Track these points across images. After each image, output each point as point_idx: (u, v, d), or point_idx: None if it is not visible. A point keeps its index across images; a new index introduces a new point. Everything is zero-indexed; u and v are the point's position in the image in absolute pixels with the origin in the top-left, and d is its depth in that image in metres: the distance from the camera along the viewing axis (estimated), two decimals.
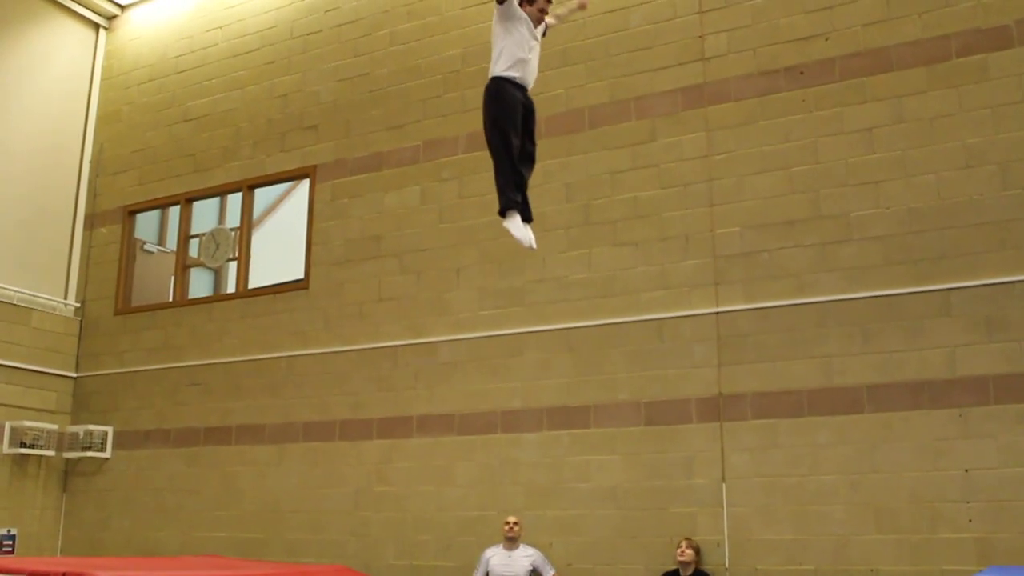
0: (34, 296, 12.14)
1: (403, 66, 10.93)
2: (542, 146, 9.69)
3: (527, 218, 5.89)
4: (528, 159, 5.99)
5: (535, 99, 9.82)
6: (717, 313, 8.65)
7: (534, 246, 5.88)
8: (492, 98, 5.85)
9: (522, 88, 5.91)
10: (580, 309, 9.27)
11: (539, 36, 6.09)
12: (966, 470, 7.46)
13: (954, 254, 7.84)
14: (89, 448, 11.72)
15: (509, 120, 5.76)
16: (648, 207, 9.16)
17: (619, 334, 9.03)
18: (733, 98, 9.01)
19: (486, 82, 5.91)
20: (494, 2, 5.87)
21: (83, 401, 12.23)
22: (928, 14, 8.33)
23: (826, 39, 8.71)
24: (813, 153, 8.56)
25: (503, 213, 5.78)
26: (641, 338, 8.92)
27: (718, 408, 8.46)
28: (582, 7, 6.99)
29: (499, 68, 5.83)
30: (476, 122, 10.09)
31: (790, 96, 8.76)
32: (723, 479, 8.31)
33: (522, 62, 5.86)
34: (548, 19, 6.20)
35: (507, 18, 5.86)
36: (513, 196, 5.77)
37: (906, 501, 7.60)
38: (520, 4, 6.00)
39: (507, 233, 9.61)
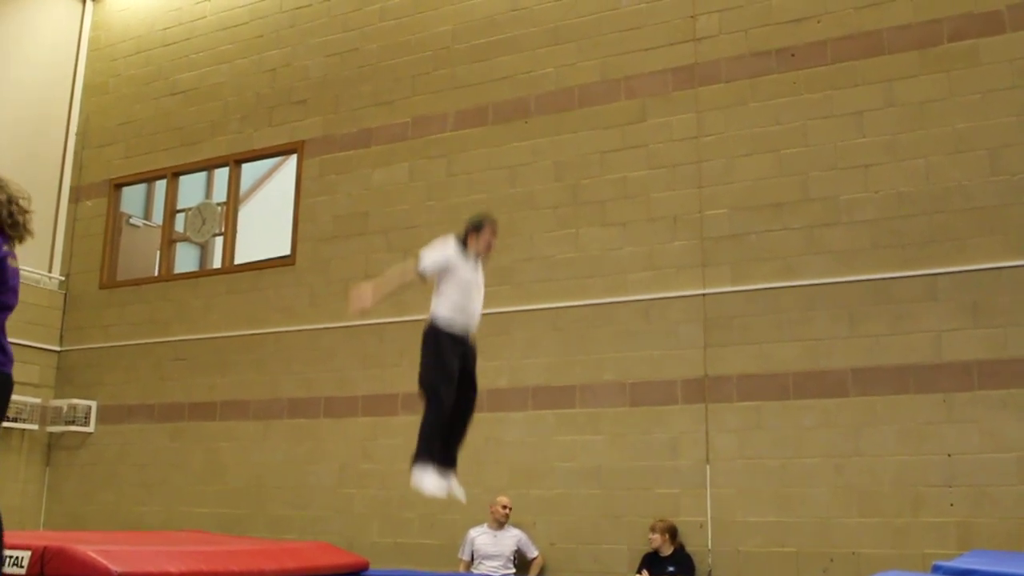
0: (18, 269, 12.03)
1: (393, 42, 10.85)
2: (531, 125, 9.74)
3: (449, 465, 5.66)
4: (466, 409, 5.80)
5: (524, 77, 9.90)
6: (704, 295, 8.64)
7: (462, 497, 5.68)
8: (430, 349, 5.62)
9: (463, 337, 5.70)
10: (567, 289, 9.25)
11: (481, 271, 5.84)
12: (949, 455, 7.49)
13: (942, 239, 7.85)
14: (73, 422, 11.67)
15: (445, 377, 5.55)
16: (637, 187, 9.13)
17: (606, 314, 9.02)
18: (724, 79, 8.97)
19: (426, 322, 5.70)
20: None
21: (67, 375, 12.17)
22: None
23: (818, 21, 8.68)
24: (803, 136, 8.54)
25: (415, 462, 5.49)
26: (627, 319, 8.91)
27: (703, 389, 8.47)
28: None
29: (440, 313, 5.63)
30: (466, 99, 10.19)
31: (781, 78, 8.73)
32: (707, 460, 8.33)
33: (463, 309, 5.67)
34: None
35: (446, 268, 5.66)
36: (432, 448, 5.52)
37: (889, 485, 7.63)
38: (466, 240, 5.78)
39: (495, 211, 9.59)
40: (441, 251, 5.71)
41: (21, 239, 4.58)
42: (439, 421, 5.56)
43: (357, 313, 5.84)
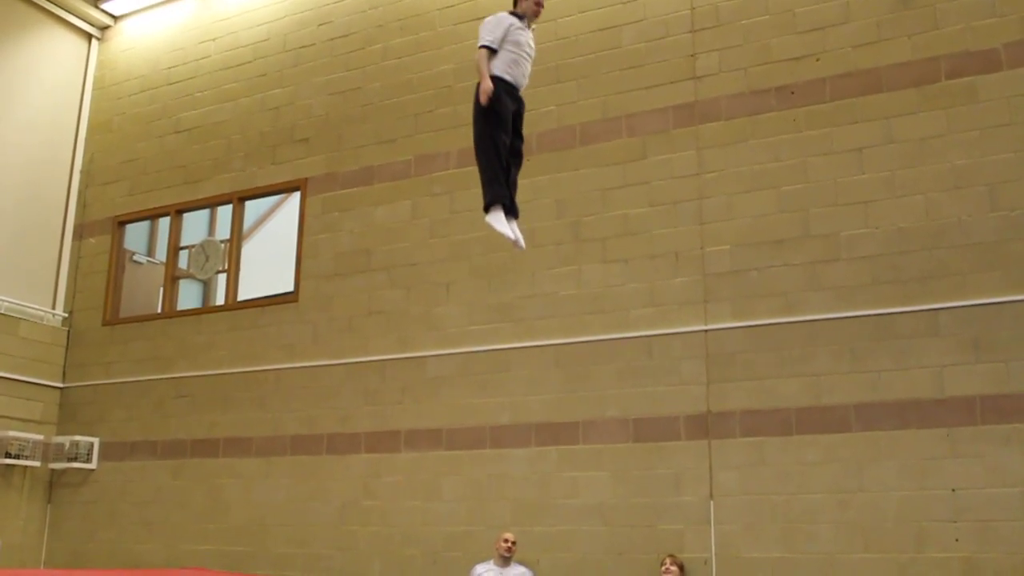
0: (22, 305, 12.08)
1: (395, 80, 10.94)
2: (533, 163, 9.79)
3: (513, 214, 5.84)
4: (517, 155, 5.97)
5: (525, 115, 9.91)
6: (706, 331, 8.66)
7: (522, 244, 5.82)
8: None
9: (514, 87, 5.91)
10: (569, 325, 9.27)
11: (531, 31, 6.10)
12: (953, 490, 7.47)
13: (942, 274, 7.88)
14: (75, 459, 11.65)
15: (499, 118, 5.75)
16: (638, 224, 9.17)
17: (608, 351, 9.03)
18: (724, 117, 9.05)
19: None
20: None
21: (69, 412, 12.16)
22: (918, 36, 8.39)
23: (817, 59, 8.76)
24: (803, 172, 8.59)
25: (488, 208, 5.73)
26: (630, 355, 8.92)
27: (706, 425, 8.46)
28: None
29: (494, 70, 5.82)
30: (468, 137, 10.06)
31: (781, 116, 8.80)
32: (711, 496, 8.31)
33: (515, 63, 5.90)
34: None
35: (504, 37, 5.89)
36: (500, 189, 5.73)
37: (893, 520, 7.61)
38: (515, 3, 6.02)
39: (498, 248, 9.68)
40: (497, 25, 5.89)
41: None
42: (499, 164, 5.73)
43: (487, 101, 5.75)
